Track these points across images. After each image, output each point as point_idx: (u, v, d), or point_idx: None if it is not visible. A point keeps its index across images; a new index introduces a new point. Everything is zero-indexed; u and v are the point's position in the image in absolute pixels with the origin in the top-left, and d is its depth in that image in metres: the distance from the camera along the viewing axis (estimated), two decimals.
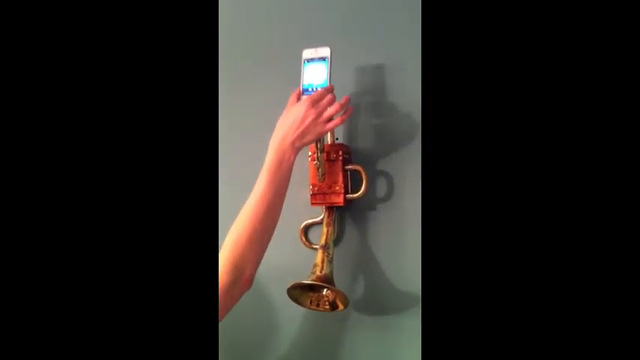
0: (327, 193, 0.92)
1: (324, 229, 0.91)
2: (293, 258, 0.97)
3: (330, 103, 0.80)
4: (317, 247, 0.89)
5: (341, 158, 0.91)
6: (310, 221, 0.97)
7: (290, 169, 0.79)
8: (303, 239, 0.97)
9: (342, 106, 0.82)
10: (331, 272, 0.86)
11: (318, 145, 0.87)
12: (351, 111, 0.85)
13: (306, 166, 0.93)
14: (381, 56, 0.94)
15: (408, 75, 0.90)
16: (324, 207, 0.94)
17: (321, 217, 0.95)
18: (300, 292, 0.86)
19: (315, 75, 0.83)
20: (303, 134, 0.79)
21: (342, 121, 0.83)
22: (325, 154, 0.90)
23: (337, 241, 0.95)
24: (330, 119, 0.80)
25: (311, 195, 0.92)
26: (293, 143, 0.78)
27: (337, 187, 0.91)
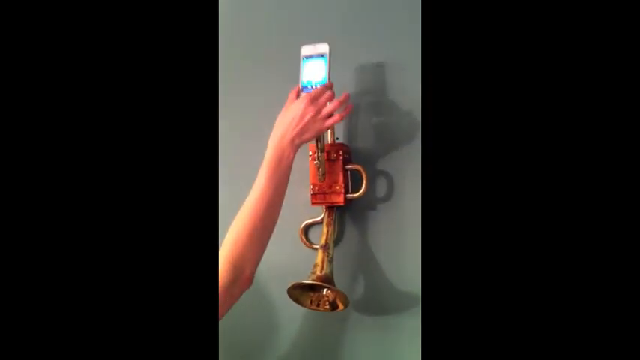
0: (327, 193, 0.92)
1: (325, 229, 0.91)
2: (293, 258, 0.97)
3: (329, 99, 0.80)
4: (317, 246, 0.89)
5: (341, 158, 0.91)
6: (310, 221, 0.97)
7: (289, 167, 0.79)
8: (304, 239, 0.97)
9: (341, 103, 0.81)
10: (331, 272, 0.86)
11: (319, 144, 0.87)
12: (350, 108, 0.85)
13: (306, 166, 0.93)
14: (381, 55, 0.93)
15: (408, 74, 0.90)
16: (324, 207, 0.94)
17: (322, 216, 0.95)
18: (300, 292, 0.86)
19: (314, 72, 0.83)
20: (302, 131, 0.78)
21: (342, 118, 0.82)
22: (325, 154, 0.90)
23: (337, 241, 0.96)
24: (329, 116, 0.80)
25: (311, 195, 0.92)
26: (292, 140, 0.78)
27: (337, 187, 0.91)
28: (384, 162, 0.94)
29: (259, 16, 1.05)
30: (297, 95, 0.82)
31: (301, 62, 0.84)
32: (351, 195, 0.91)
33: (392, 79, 0.93)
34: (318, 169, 0.90)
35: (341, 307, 0.86)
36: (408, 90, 0.91)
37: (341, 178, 0.91)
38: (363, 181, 0.90)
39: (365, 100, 0.95)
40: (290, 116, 0.79)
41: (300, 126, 0.78)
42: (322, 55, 0.82)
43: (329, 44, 0.82)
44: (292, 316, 0.98)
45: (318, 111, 0.79)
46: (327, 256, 0.87)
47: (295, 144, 0.79)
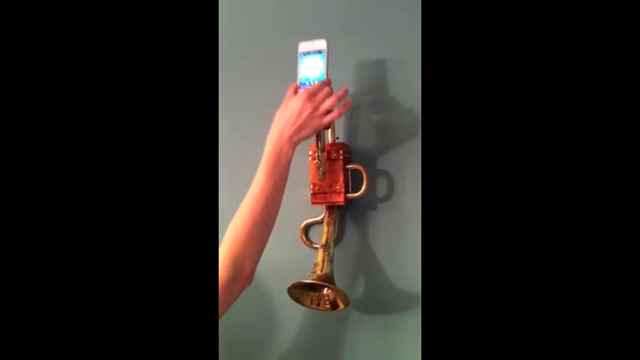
0: (327, 193, 0.92)
1: (325, 229, 0.91)
2: (293, 257, 0.97)
3: (327, 95, 0.80)
4: (317, 246, 0.89)
5: (342, 157, 0.91)
6: (311, 220, 0.97)
7: (288, 164, 0.78)
8: (304, 238, 0.97)
9: (339, 99, 0.81)
10: (332, 271, 0.86)
11: (319, 144, 0.87)
12: (349, 104, 0.84)
13: (306, 166, 0.93)
14: (381, 52, 0.93)
15: (409, 73, 0.90)
16: (324, 206, 0.94)
17: (322, 216, 0.95)
18: (300, 292, 0.86)
19: (311, 68, 0.83)
20: (300, 128, 0.78)
21: (340, 114, 0.82)
22: (326, 154, 0.90)
23: (338, 241, 0.96)
24: (327, 112, 0.80)
25: (311, 194, 0.93)
26: (291, 137, 0.78)
27: (338, 187, 0.91)
28: (384, 161, 0.94)
29: (259, 16, 1.05)
30: (295, 92, 0.82)
31: (299, 59, 0.83)
32: (351, 194, 0.91)
33: (392, 77, 0.93)
34: (319, 168, 0.90)
35: (341, 306, 0.86)
36: (408, 89, 0.91)
37: (341, 177, 0.91)
38: (363, 181, 0.90)
39: (365, 99, 0.95)
40: (288, 113, 0.78)
41: (299, 123, 0.78)
42: (320, 52, 0.82)
43: (327, 41, 0.82)
44: (292, 315, 0.98)
45: (316, 107, 0.79)
46: (328, 255, 0.87)
47: (294, 141, 0.78)
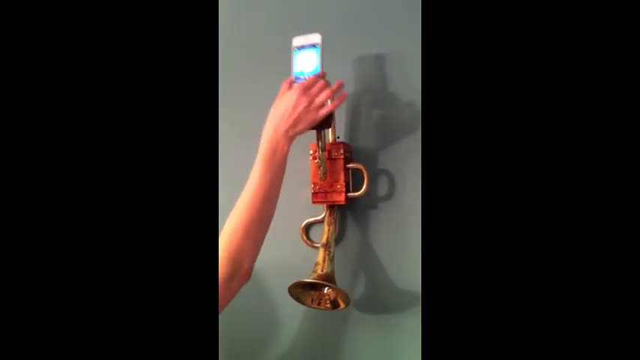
0: (328, 192, 0.92)
1: (326, 228, 0.91)
2: (294, 256, 0.97)
3: (322, 89, 0.79)
4: (318, 245, 0.89)
5: (342, 157, 0.91)
6: (311, 220, 0.97)
7: (284, 159, 0.78)
8: (305, 238, 0.97)
9: (334, 92, 0.81)
10: (332, 271, 0.86)
11: (320, 143, 0.87)
12: (344, 97, 0.83)
13: (307, 165, 0.93)
14: (381, 49, 0.93)
15: (410, 73, 0.90)
16: (325, 205, 0.94)
17: (323, 215, 0.95)
18: (301, 291, 0.86)
19: (306, 62, 0.82)
20: (295, 122, 0.77)
21: (335, 107, 0.81)
22: (327, 153, 0.90)
23: (338, 240, 0.96)
24: (323, 105, 0.79)
25: (312, 193, 0.93)
26: (286, 132, 0.77)
27: (338, 186, 0.91)
28: (385, 161, 0.94)
29: (259, 16, 1.05)
30: (290, 86, 0.82)
31: (293, 53, 0.83)
32: (352, 194, 0.91)
33: (393, 78, 0.93)
34: (319, 167, 0.90)
35: (342, 305, 0.86)
36: (409, 88, 0.91)
37: (342, 176, 0.91)
38: (364, 180, 0.90)
39: (366, 99, 0.95)
40: (283, 107, 0.78)
41: (294, 117, 0.77)
42: (314, 45, 0.82)
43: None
44: (293, 314, 0.98)
45: (311, 101, 0.78)
46: (328, 254, 0.87)
47: (289, 135, 0.77)
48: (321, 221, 0.95)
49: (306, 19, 1.01)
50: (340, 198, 0.91)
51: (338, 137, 0.93)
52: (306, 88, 0.78)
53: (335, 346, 0.97)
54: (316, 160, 0.89)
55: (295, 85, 0.80)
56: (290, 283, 0.84)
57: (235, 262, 0.73)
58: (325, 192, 0.92)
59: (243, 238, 0.74)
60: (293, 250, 0.97)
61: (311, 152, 0.92)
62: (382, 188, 0.94)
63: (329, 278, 0.85)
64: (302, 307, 0.88)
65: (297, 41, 0.83)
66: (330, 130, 0.91)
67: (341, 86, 0.83)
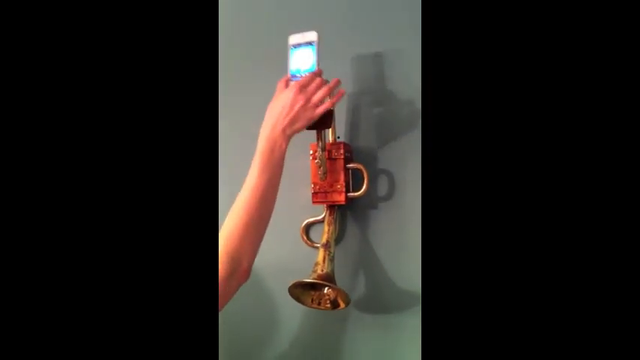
0: (328, 192, 0.92)
1: (326, 228, 0.91)
2: (294, 256, 0.97)
3: (319, 87, 0.79)
4: (318, 245, 0.89)
5: (342, 157, 0.91)
6: (311, 220, 0.97)
7: (282, 157, 0.77)
8: (305, 238, 0.97)
9: (331, 89, 0.80)
10: (332, 271, 0.86)
11: (320, 143, 0.87)
12: (342, 94, 0.83)
13: (307, 165, 0.93)
14: (381, 51, 0.93)
15: (410, 72, 0.90)
16: (325, 205, 0.94)
17: (323, 215, 0.95)
18: (301, 291, 0.86)
19: (302, 60, 0.82)
20: (293, 121, 0.77)
21: (332, 105, 0.81)
22: (327, 153, 0.90)
23: (338, 240, 0.96)
24: (320, 103, 0.79)
25: (312, 193, 0.93)
26: (284, 130, 0.77)
27: (339, 186, 0.91)
28: (385, 161, 0.94)
29: (259, 16, 1.05)
30: (287, 84, 0.81)
31: (289, 51, 0.83)
32: (352, 194, 0.91)
33: (393, 78, 0.93)
34: (319, 167, 0.90)
35: (342, 305, 0.86)
36: (409, 88, 0.91)
37: (342, 176, 0.91)
38: (364, 180, 0.90)
39: (365, 99, 0.95)
40: (280, 106, 0.78)
41: (291, 115, 0.77)
42: (310, 43, 0.81)
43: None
44: (293, 314, 0.98)
45: (308, 99, 0.78)
46: (328, 254, 0.87)
47: (287, 134, 0.77)
48: (321, 221, 0.95)
49: (305, 18, 1.00)
50: (340, 198, 0.91)
51: (338, 137, 0.93)
52: (303, 86, 0.78)
53: (335, 346, 0.97)
54: (316, 160, 0.89)
55: (292, 84, 0.80)
56: (290, 283, 0.84)
57: (234, 260, 0.73)
58: (325, 192, 0.92)
59: (241, 236, 0.74)
60: (293, 250, 0.97)
61: (311, 152, 0.92)
62: (382, 188, 0.94)
63: (329, 278, 0.85)
64: (302, 307, 0.88)
65: (294, 39, 0.83)
66: (330, 130, 0.91)
67: (338, 83, 0.82)
